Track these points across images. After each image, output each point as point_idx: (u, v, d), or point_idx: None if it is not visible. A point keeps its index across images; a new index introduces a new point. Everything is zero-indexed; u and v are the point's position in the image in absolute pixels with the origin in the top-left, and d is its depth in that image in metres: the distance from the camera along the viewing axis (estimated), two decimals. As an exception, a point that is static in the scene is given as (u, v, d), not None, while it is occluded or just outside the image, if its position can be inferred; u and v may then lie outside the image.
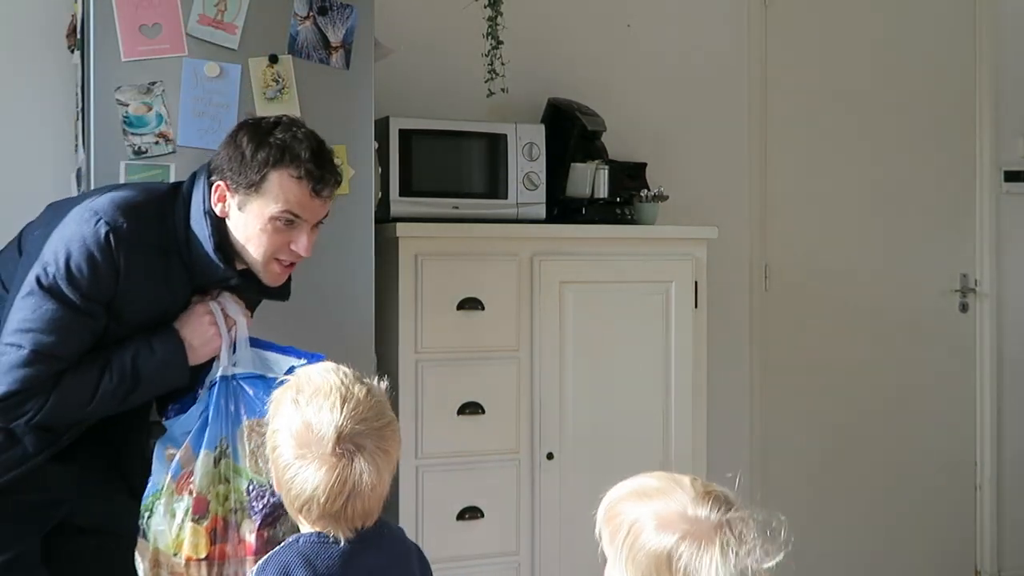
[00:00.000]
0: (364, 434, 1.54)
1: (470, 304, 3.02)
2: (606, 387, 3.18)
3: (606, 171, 3.28)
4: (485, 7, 3.25)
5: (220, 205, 2.04)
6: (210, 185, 2.04)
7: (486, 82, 3.28)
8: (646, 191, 3.37)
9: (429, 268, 2.98)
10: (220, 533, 1.98)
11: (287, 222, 2.03)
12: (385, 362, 2.93)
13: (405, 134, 3.06)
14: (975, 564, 4.31)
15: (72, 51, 2.78)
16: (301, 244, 2.06)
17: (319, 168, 2.03)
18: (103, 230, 1.93)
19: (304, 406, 1.57)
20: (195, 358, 2.08)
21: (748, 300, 3.96)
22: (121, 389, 1.99)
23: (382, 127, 2.99)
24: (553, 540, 3.12)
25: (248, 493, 1.99)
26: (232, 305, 2.12)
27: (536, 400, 3.11)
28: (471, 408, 3.02)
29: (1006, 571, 4.32)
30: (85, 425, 2.07)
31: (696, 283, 3.28)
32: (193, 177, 2.10)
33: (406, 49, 3.21)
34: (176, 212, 2.05)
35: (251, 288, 2.15)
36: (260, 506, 1.99)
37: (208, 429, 2.02)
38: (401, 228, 2.95)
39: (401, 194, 3.04)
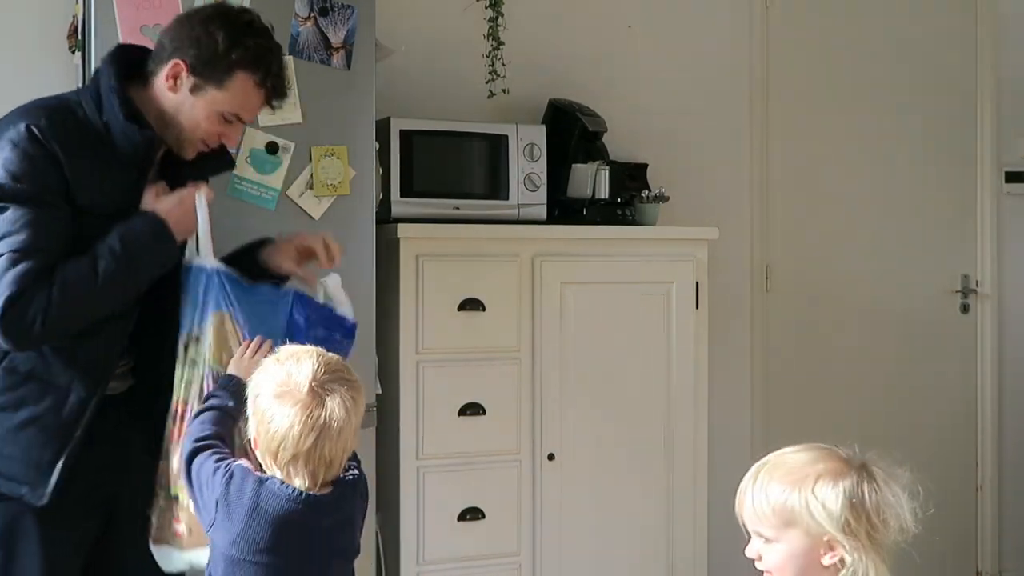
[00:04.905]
0: (335, 381, 1.75)
1: (471, 305, 3.01)
2: (607, 388, 3.18)
3: (607, 172, 3.28)
4: (486, 8, 3.26)
5: (171, 81, 2.07)
6: (166, 60, 2.07)
7: (487, 83, 3.28)
8: (647, 192, 3.36)
9: (430, 269, 2.98)
10: (180, 414, 2.04)
11: (230, 120, 2.12)
12: (386, 363, 2.93)
13: (406, 135, 3.06)
14: (976, 565, 4.31)
15: (73, 52, 2.78)
16: (234, 140, 2.19)
17: (282, 84, 2.15)
18: (22, 126, 1.97)
19: (284, 362, 1.77)
20: (177, 231, 2.10)
21: (749, 301, 3.96)
22: (119, 270, 1.98)
23: (383, 128, 2.99)
24: (554, 541, 3.12)
25: (207, 380, 2.05)
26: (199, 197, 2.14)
27: (537, 401, 3.10)
28: (472, 409, 3.02)
29: (1007, 572, 4.32)
30: (121, 365, 2.08)
31: (697, 284, 3.28)
32: (97, 73, 2.12)
33: (407, 50, 3.21)
34: (86, 105, 2.06)
35: (194, 168, 2.19)
36: None
37: (179, 314, 2.07)
38: (402, 229, 2.95)
39: (402, 195, 3.04)
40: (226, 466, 1.80)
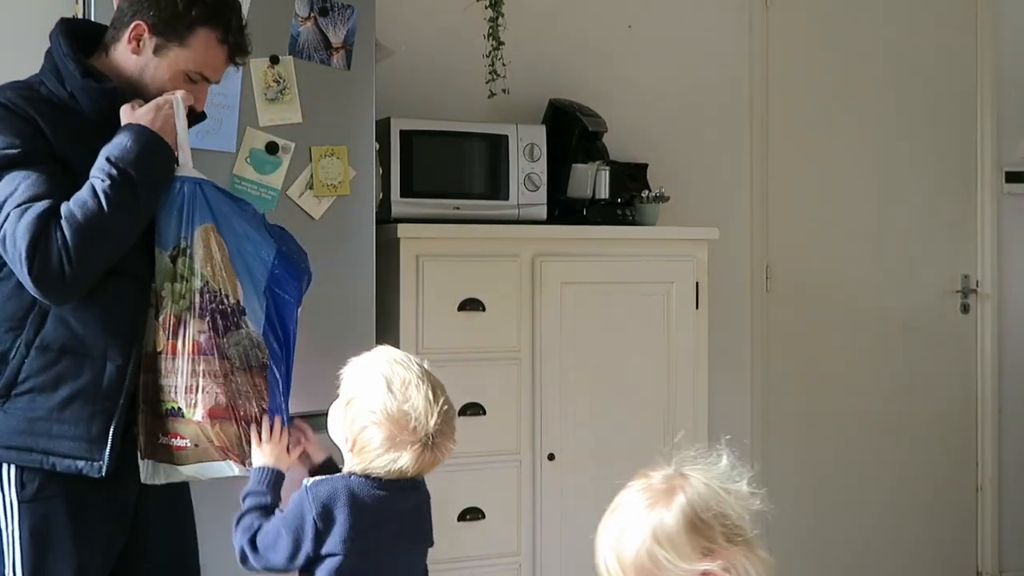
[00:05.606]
0: (447, 424, 1.91)
1: (471, 305, 3.02)
2: (607, 388, 3.19)
3: (607, 172, 3.28)
4: (486, 8, 3.26)
5: (134, 43, 2.07)
6: (127, 23, 2.06)
7: (487, 83, 3.28)
8: (647, 192, 3.37)
9: (430, 269, 2.98)
10: (173, 329, 2.03)
11: (195, 80, 2.11)
12: (386, 363, 2.93)
13: (406, 135, 3.06)
14: (976, 565, 4.31)
15: (73, 52, 2.77)
16: (201, 101, 2.15)
17: (243, 41, 2.14)
18: None
19: (398, 394, 1.88)
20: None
21: (749, 301, 3.96)
22: (120, 187, 1.95)
23: (383, 128, 2.99)
24: (554, 541, 3.12)
25: (201, 295, 2.03)
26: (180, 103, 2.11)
27: (537, 401, 3.10)
28: (472, 409, 3.01)
29: (1008, 572, 4.32)
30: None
31: (697, 284, 3.28)
32: (48, 51, 2.11)
33: (407, 50, 3.21)
34: (48, 82, 2.07)
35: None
36: (211, 310, 2.04)
37: (163, 227, 2.04)
38: (402, 229, 2.95)
39: (402, 195, 3.04)
40: (299, 495, 1.89)
